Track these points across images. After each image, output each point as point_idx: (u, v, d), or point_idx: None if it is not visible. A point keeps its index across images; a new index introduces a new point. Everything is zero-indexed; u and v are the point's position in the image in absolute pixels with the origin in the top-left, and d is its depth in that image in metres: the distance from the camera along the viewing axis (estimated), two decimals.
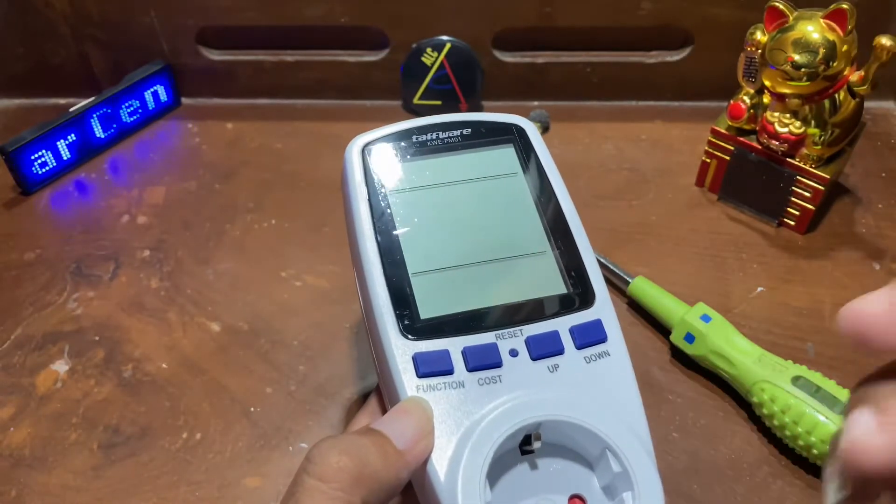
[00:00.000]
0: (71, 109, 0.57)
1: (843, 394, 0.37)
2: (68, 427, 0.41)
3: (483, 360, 0.27)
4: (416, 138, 0.32)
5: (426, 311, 0.28)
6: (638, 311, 0.46)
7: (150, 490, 0.38)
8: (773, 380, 0.38)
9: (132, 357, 0.44)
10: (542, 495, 0.26)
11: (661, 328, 0.44)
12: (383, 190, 0.30)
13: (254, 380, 0.43)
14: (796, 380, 0.38)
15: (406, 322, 0.27)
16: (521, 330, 0.28)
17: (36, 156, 0.55)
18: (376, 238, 0.29)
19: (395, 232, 0.29)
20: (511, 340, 0.27)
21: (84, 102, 0.57)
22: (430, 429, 0.25)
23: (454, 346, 0.27)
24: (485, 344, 0.27)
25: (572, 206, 0.31)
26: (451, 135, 0.32)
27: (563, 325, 0.28)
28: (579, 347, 0.28)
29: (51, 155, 0.55)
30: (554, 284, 0.29)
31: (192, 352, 0.44)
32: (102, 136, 0.59)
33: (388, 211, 0.30)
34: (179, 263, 0.50)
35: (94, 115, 0.57)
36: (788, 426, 0.37)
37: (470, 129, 0.33)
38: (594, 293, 0.29)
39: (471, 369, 0.27)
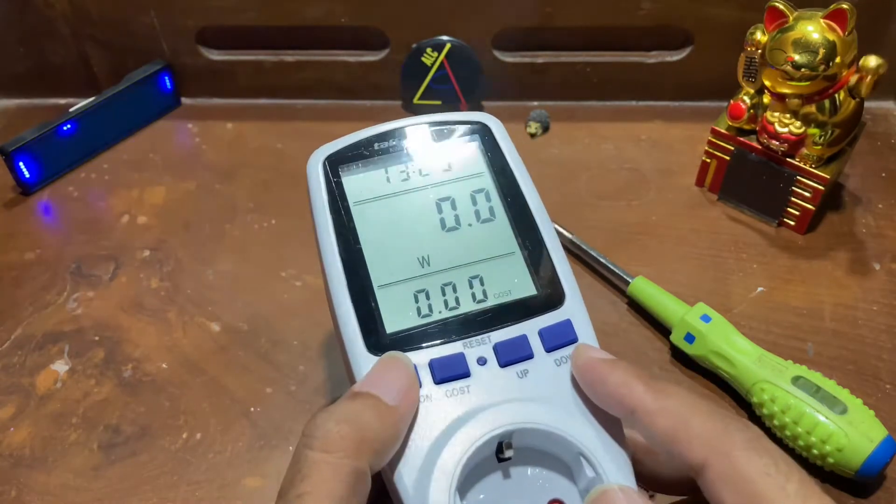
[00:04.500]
0: (71, 109, 0.57)
1: (842, 394, 0.37)
2: (68, 427, 0.41)
3: (450, 372, 0.26)
4: (378, 145, 0.31)
5: (392, 324, 0.27)
6: (638, 311, 0.46)
7: (150, 490, 0.38)
8: (773, 380, 0.38)
9: (132, 357, 0.44)
10: (519, 502, 0.25)
11: (661, 328, 0.44)
12: (346, 202, 0.30)
13: (254, 380, 0.43)
14: (796, 380, 0.38)
15: (372, 338, 0.27)
16: (488, 336, 0.27)
17: (36, 156, 0.55)
18: (340, 253, 0.29)
19: (358, 245, 0.29)
20: (479, 348, 0.27)
21: (84, 102, 0.57)
22: (414, 377, 0.26)
23: (421, 359, 0.27)
24: (452, 354, 0.27)
25: (541, 204, 0.31)
26: (413, 139, 0.32)
27: (531, 328, 0.27)
28: (549, 350, 0.27)
29: (51, 155, 0.55)
30: (523, 286, 0.29)
31: (192, 352, 0.44)
32: (102, 137, 0.59)
33: (351, 224, 0.29)
34: (179, 263, 0.50)
35: (95, 115, 0.57)
36: (788, 426, 0.37)
37: (433, 131, 0.32)
38: (564, 292, 0.28)
39: (438, 382, 0.26)
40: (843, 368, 0.42)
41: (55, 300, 0.47)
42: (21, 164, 0.54)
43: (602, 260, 0.47)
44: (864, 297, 0.46)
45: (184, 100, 0.64)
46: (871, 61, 0.43)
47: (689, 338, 0.41)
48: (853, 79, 0.45)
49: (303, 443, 0.23)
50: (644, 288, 0.45)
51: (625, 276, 0.46)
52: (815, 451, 0.36)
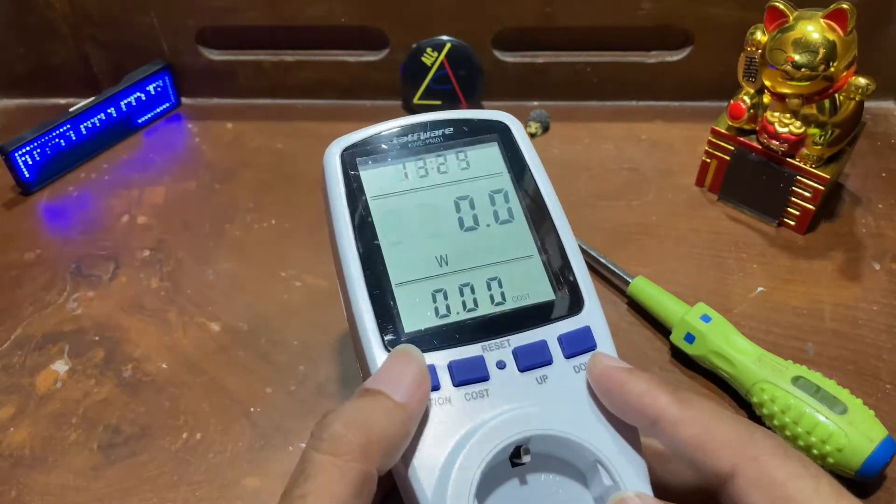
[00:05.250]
0: (71, 109, 0.57)
1: (842, 394, 0.37)
2: (68, 427, 0.41)
3: (469, 375, 0.26)
4: (397, 140, 0.31)
5: (410, 324, 0.27)
6: (638, 311, 0.46)
7: (150, 490, 0.38)
8: (773, 380, 0.38)
9: (132, 357, 0.44)
10: None
11: (661, 328, 0.44)
12: (363, 196, 0.29)
13: (254, 380, 0.43)
14: (796, 380, 0.38)
15: (390, 336, 0.27)
16: (508, 341, 0.27)
17: (36, 156, 0.55)
18: (357, 248, 0.28)
19: (376, 241, 0.28)
20: (498, 352, 0.27)
21: (84, 102, 0.57)
22: (425, 372, 0.25)
23: (440, 360, 0.26)
24: (471, 357, 0.26)
25: (559, 207, 0.30)
26: (432, 135, 0.31)
27: (550, 333, 0.27)
28: (568, 357, 0.27)
29: (51, 155, 0.56)
30: (541, 290, 0.28)
31: (192, 352, 0.44)
32: (102, 137, 0.59)
33: (369, 219, 0.29)
34: (179, 263, 0.50)
35: (95, 115, 0.57)
36: (788, 426, 0.37)
37: (452, 129, 0.31)
38: (583, 298, 0.28)
39: (457, 384, 0.26)
40: (843, 368, 0.42)
41: (55, 300, 0.47)
42: (21, 164, 0.54)
43: (602, 260, 0.47)
44: (864, 297, 0.46)
45: (184, 100, 0.64)
46: (862, 80, 0.44)
47: (689, 338, 0.41)
48: (852, 80, 0.45)
49: (310, 444, 0.23)
50: (644, 288, 0.45)
51: (625, 276, 0.46)
52: (815, 452, 0.36)
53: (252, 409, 0.41)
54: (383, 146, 0.31)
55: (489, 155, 0.31)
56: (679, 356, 0.43)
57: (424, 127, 0.31)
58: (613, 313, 0.46)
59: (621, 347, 0.43)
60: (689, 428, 0.24)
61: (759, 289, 0.47)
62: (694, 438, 0.24)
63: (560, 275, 0.29)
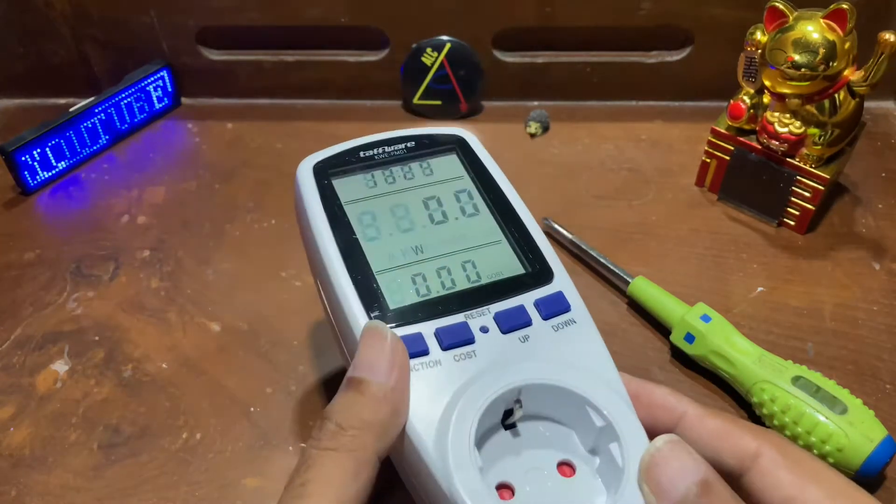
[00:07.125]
0: (71, 109, 0.57)
1: (842, 394, 0.37)
2: (68, 427, 0.41)
3: (456, 338, 0.28)
4: (363, 153, 0.34)
5: (394, 301, 0.29)
6: (638, 311, 0.46)
7: (150, 490, 0.38)
8: (773, 380, 0.38)
9: (132, 357, 0.44)
10: (530, 466, 0.27)
11: (661, 328, 0.44)
12: (338, 200, 0.32)
13: (254, 380, 0.43)
14: (796, 380, 0.38)
15: (376, 313, 0.29)
16: (488, 308, 0.29)
17: (36, 156, 0.55)
18: (337, 243, 0.30)
19: (354, 236, 0.31)
20: (480, 318, 0.29)
21: (84, 102, 0.57)
22: (400, 347, 0.27)
23: (426, 328, 0.28)
24: (455, 324, 0.28)
25: (521, 200, 0.33)
26: (396, 148, 0.34)
27: (527, 299, 0.29)
28: (545, 318, 0.29)
29: (51, 155, 0.56)
30: (513, 267, 0.31)
31: (192, 352, 0.44)
32: (102, 136, 0.59)
33: (345, 219, 0.31)
34: (179, 263, 0.50)
35: (94, 115, 0.57)
36: (788, 426, 0.37)
37: (414, 143, 0.34)
38: (552, 270, 0.31)
39: (445, 348, 0.28)
40: (843, 368, 0.42)
41: (55, 300, 0.47)
42: (21, 164, 0.54)
43: (602, 260, 0.47)
44: (864, 297, 0.46)
45: (184, 100, 0.64)
46: (890, 35, 0.42)
47: (689, 338, 0.41)
48: (855, 76, 0.45)
49: (310, 444, 0.25)
50: (644, 288, 0.45)
51: (625, 276, 0.46)
52: (815, 452, 0.36)
53: (252, 409, 0.41)
54: (351, 160, 0.34)
55: (449, 162, 0.34)
56: (679, 356, 0.43)
57: (389, 142, 0.34)
58: (613, 313, 0.46)
59: (621, 347, 0.44)
60: (713, 419, 0.27)
61: (759, 289, 0.47)
62: (720, 427, 0.27)
63: (528, 252, 0.31)
